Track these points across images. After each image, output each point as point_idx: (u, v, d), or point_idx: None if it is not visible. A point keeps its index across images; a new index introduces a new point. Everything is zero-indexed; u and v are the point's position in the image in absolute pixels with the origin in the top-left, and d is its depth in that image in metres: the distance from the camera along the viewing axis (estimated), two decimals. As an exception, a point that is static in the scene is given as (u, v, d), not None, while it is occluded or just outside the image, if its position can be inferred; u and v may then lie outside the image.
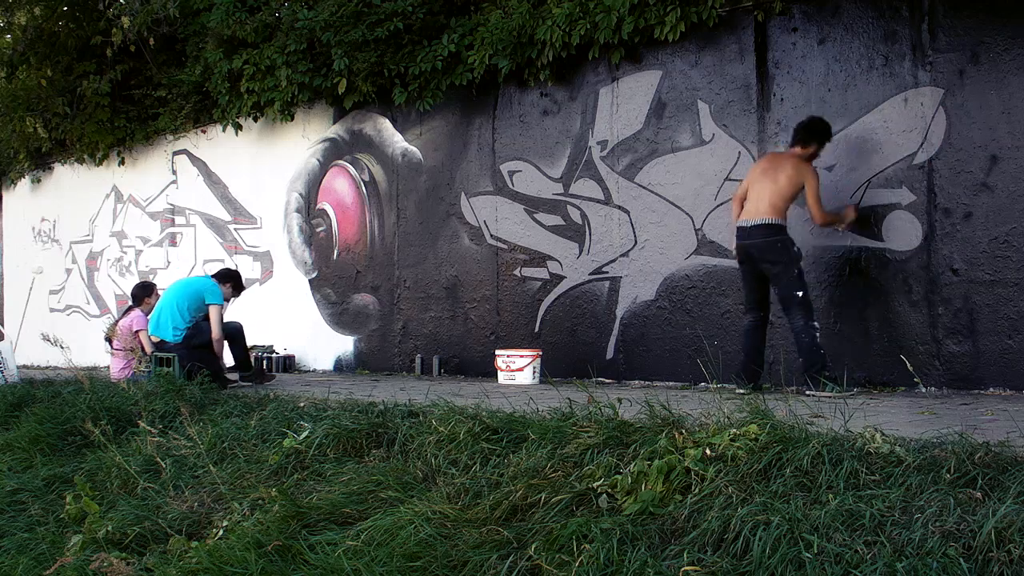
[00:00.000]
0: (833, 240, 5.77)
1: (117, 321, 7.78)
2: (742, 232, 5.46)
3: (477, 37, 7.04)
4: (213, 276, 7.10)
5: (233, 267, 7.44)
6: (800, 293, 5.29)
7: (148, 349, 6.94)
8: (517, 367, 6.66)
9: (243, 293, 7.36)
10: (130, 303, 7.80)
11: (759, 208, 5.38)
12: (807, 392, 5.11)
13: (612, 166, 6.77)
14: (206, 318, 6.76)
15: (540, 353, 6.76)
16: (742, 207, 5.56)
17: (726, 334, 6.16)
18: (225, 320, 6.91)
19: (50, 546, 3.87)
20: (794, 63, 5.93)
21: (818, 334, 5.28)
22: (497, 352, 6.88)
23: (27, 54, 10.34)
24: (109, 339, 7.50)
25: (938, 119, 5.37)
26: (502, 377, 6.73)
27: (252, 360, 7.48)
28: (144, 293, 7.56)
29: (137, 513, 3.86)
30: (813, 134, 5.41)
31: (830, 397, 4.76)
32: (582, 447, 3.27)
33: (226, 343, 6.93)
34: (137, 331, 7.20)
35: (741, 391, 5.21)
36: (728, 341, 6.13)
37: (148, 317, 7.34)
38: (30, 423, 5.59)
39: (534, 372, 6.67)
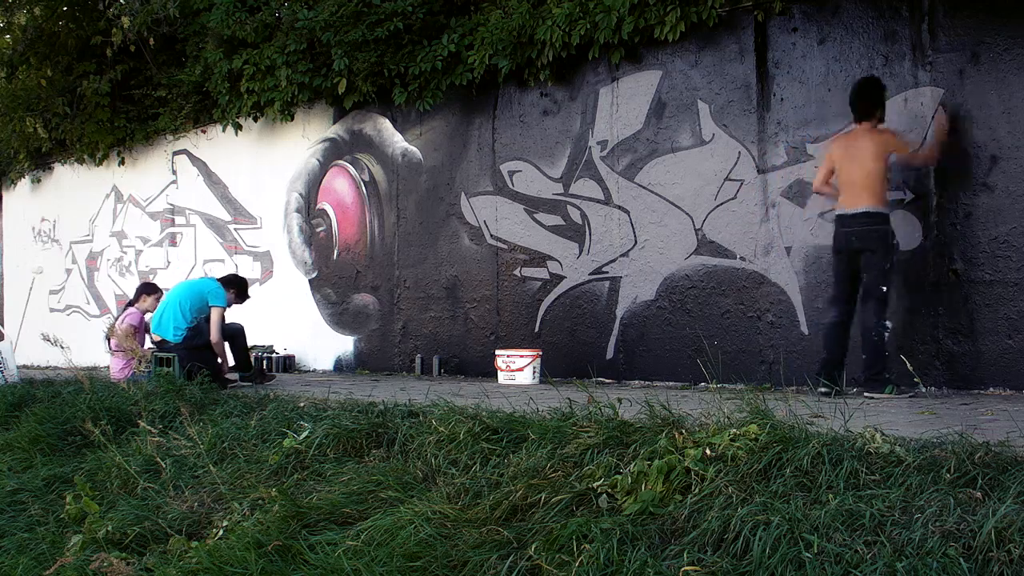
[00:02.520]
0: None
1: (116, 320, 7.79)
2: (844, 220, 5.22)
3: (477, 37, 7.04)
4: (219, 279, 7.09)
5: (238, 272, 7.44)
6: (884, 288, 5.13)
7: (135, 345, 6.92)
8: (517, 367, 6.66)
9: (247, 301, 7.34)
10: (129, 301, 7.82)
11: (858, 194, 5.14)
12: (866, 394, 5.01)
13: (612, 166, 6.77)
14: (208, 319, 6.76)
15: (540, 353, 6.76)
16: (827, 193, 5.39)
17: (726, 334, 6.16)
18: (227, 321, 6.91)
19: (50, 546, 3.87)
20: (794, 63, 5.93)
21: (888, 335, 5.15)
22: (497, 352, 6.88)
23: (27, 54, 10.34)
24: (109, 338, 7.50)
25: (938, 119, 5.36)
26: (502, 377, 6.73)
27: (252, 361, 7.48)
28: (143, 291, 7.55)
29: (137, 513, 3.86)
30: (871, 99, 5.22)
31: (888, 398, 4.81)
32: (582, 447, 3.27)
33: (226, 344, 6.93)
34: (128, 325, 7.19)
35: (823, 390, 5.05)
36: (728, 341, 6.14)
37: (144, 316, 7.35)
38: (30, 423, 5.59)
39: (534, 372, 6.67)
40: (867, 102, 5.21)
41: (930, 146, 5.32)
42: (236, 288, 7.08)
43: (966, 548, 2.22)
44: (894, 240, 5.25)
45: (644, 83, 6.61)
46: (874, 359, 5.11)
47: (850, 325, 5.30)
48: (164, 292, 7.58)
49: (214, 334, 6.67)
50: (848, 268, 5.26)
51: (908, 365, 4.99)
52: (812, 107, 5.84)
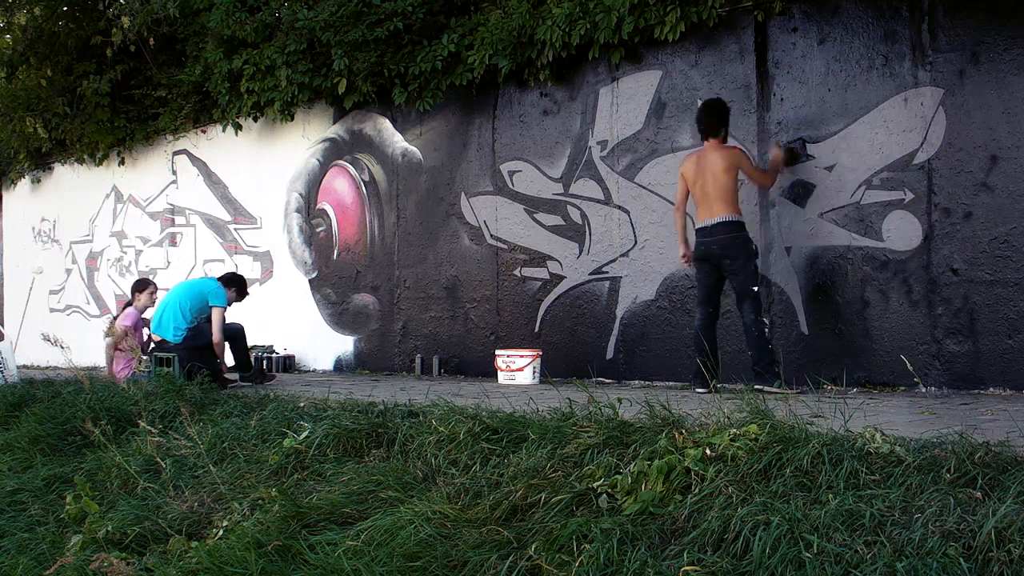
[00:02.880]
0: (833, 240, 5.77)
1: (115, 319, 7.79)
2: (703, 232, 5.60)
3: (477, 37, 7.05)
4: (219, 279, 7.10)
5: (238, 271, 7.45)
6: (755, 288, 5.46)
7: (133, 344, 6.93)
8: (517, 367, 6.66)
9: (246, 299, 7.35)
10: (128, 301, 7.83)
11: (713, 206, 5.53)
12: (756, 387, 5.11)
13: (612, 166, 6.77)
14: (208, 319, 6.76)
15: (540, 353, 6.77)
16: (684, 214, 5.78)
17: (726, 334, 6.15)
18: (227, 321, 6.91)
19: (50, 546, 3.87)
20: (794, 63, 5.93)
21: (767, 330, 5.44)
22: (497, 352, 6.88)
23: (27, 54, 10.34)
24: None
25: (938, 119, 5.37)
26: (502, 377, 6.74)
27: (252, 361, 7.48)
28: (135, 289, 7.55)
29: (137, 513, 3.86)
30: (717, 119, 5.61)
31: (778, 393, 4.72)
32: (582, 447, 3.27)
33: (227, 344, 6.93)
34: (126, 326, 7.20)
35: (701, 391, 5.46)
36: (728, 341, 6.13)
37: (142, 314, 7.35)
38: (30, 423, 5.59)
39: (534, 372, 6.67)
40: (714, 121, 5.59)
41: (765, 174, 5.75)
42: (236, 286, 7.09)
43: (966, 548, 2.22)
44: (753, 245, 5.61)
45: (644, 83, 6.61)
46: (760, 354, 5.38)
47: (714, 326, 5.70)
48: (156, 285, 7.60)
49: (216, 334, 6.68)
50: (711, 274, 5.65)
51: (908, 365, 5.01)
52: (812, 107, 5.84)
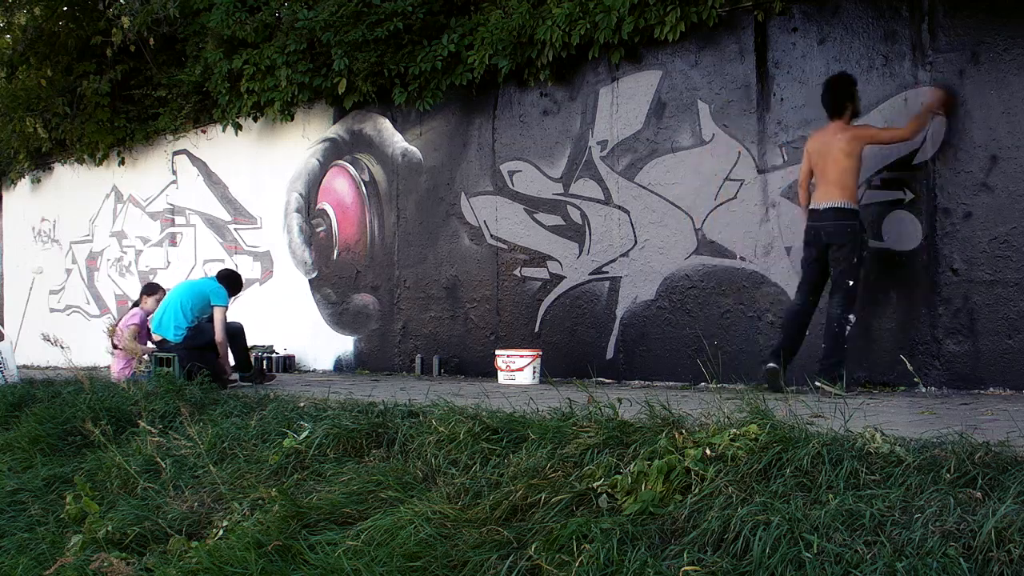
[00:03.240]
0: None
1: (119, 320, 7.79)
2: (815, 215, 5.34)
3: (477, 37, 7.04)
4: (217, 276, 7.09)
5: (233, 267, 7.46)
6: (851, 283, 5.22)
7: (136, 347, 6.94)
8: (517, 367, 6.66)
9: (240, 294, 7.37)
10: (135, 301, 7.84)
11: (829, 190, 5.27)
12: (816, 383, 5.07)
13: (612, 166, 6.77)
14: (209, 319, 6.77)
15: (540, 353, 6.76)
16: (807, 192, 5.49)
17: (726, 334, 6.16)
18: (227, 321, 6.91)
19: (50, 546, 3.87)
20: (794, 63, 5.93)
21: (849, 328, 5.22)
22: (497, 352, 6.88)
23: (27, 54, 10.34)
24: (111, 338, 7.50)
25: (938, 119, 5.36)
26: (502, 377, 6.73)
27: (252, 360, 7.48)
28: (144, 292, 7.58)
29: (137, 513, 3.86)
30: (842, 94, 5.34)
31: (832, 394, 4.70)
32: (582, 447, 3.27)
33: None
34: (133, 326, 7.20)
35: (771, 365, 5.23)
36: (728, 341, 6.14)
37: (147, 316, 7.35)
38: (30, 423, 5.59)
39: (534, 372, 6.67)
40: (835, 99, 5.33)
41: (908, 129, 5.31)
42: (234, 284, 7.10)
43: (966, 548, 2.22)
44: (864, 237, 5.31)
45: (644, 83, 6.60)
46: (832, 350, 5.20)
47: (807, 316, 5.40)
48: (165, 292, 7.59)
49: (219, 334, 6.70)
50: (816, 261, 5.36)
51: (908, 365, 5.01)
52: (812, 107, 5.84)
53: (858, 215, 5.28)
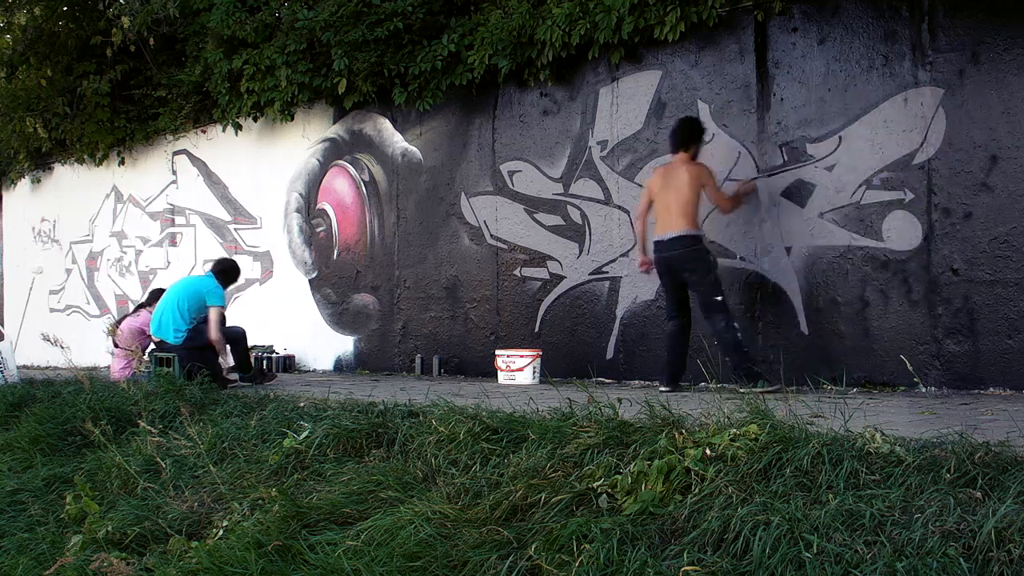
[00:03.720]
0: (833, 240, 5.77)
1: (121, 319, 7.76)
2: (660, 246, 5.71)
3: (477, 37, 7.04)
4: (213, 269, 7.05)
5: (230, 263, 7.35)
6: (719, 298, 5.55)
7: (137, 348, 6.94)
8: (517, 367, 6.66)
9: (239, 281, 7.35)
10: (140, 302, 7.81)
11: (671, 222, 5.63)
12: (742, 390, 5.18)
13: (612, 166, 6.77)
14: (206, 319, 6.76)
15: (540, 353, 6.76)
16: (644, 224, 5.88)
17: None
18: (229, 324, 6.91)
19: (50, 546, 3.86)
20: (794, 63, 5.93)
21: (739, 333, 5.52)
22: (497, 352, 6.88)
23: (27, 54, 10.34)
24: (112, 337, 7.50)
25: (938, 119, 5.37)
26: (502, 377, 6.73)
27: (252, 361, 7.47)
28: (154, 299, 7.57)
29: (137, 513, 3.86)
30: (689, 134, 5.71)
31: (764, 392, 4.70)
32: (582, 447, 3.27)
33: (228, 346, 6.93)
34: (139, 328, 7.21)
35: (664, 389, 5.70)
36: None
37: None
38: (30, 423, 5.59)
39: (534, 372, 6.67)
40: (689, 136, 5.70)
41: (728, 200, 5.79)
42: (232, 276, 7.10)
43: (966, 548, 2.22)
44: (711, 255, 5.69)
45: (644, 83, 6.61)
46: (738, 359, 5.45)
47: (688, 332, 5.80)
48: None
49: (214, 332, 6.65)
50: (672, 286, 5.77)
51: (908, 365, 5.01)
52: (812, 107, 5.84)
53: (701, 240, 5.66)
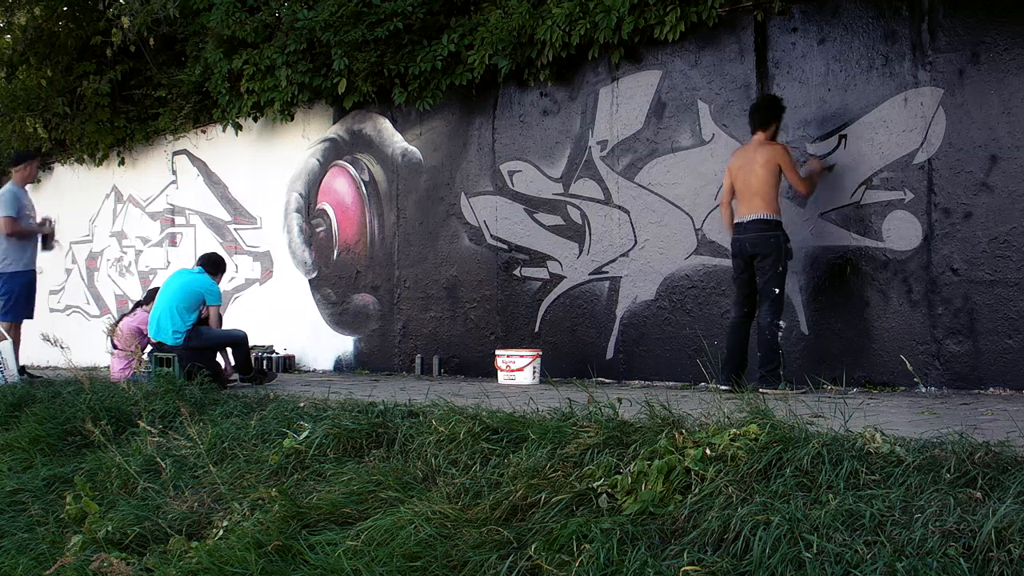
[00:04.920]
0: (833, 240, 5.77)
1: (120, 319, 7.75)
2: (739, 228, 5.57)
3: (477, 37, 7.04)
4: (202, 263, 7.02)
5: (219, 257, 7.29)
6: (777, 290, 5.42)
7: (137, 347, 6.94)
8: (517, 367, 6.66)
9: (224, 274, 7.36)
10: (137, 301, 7.80)
11: (753, 203, 5.48)
12: (761, 390, 5.12)
13: (612, 166, 6.77)
14: (204, 319, 6.76)
15: (540, 353, 6.76)
16: (731, 209, 5.69)
17: (726, 334, 6.15)
18: (232, 327, 6.95)
19: (50, 546, 3.86)
20: (794, 63, 5.93)
21: (781, 334, 5.51)
22: (497, 352, 6.88)
23: (27, 54, 10.34)
24: (111, 337, 7.49)
25: (938, 119, 5.37)
26: (502, 377, 6.73)
27: (252, 362, 7.45)
28: (151, 298, 7.58)
29: (137, 513, 3.85)
30: (768, 112, 5.58)
31: (782, 394, 4.81)
32: (582, 447, 3.26)
33: (229, 350, 6.94)
34: (137, 328, 7.20)
35: (724, 387, 5.36)
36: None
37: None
38: (30, 423, 5.58)
39: (534, 372, 6.67)
40: (767, 114, 5.57)
41: (804, 182, 5.55)
42: (220, 269, 7.11)
43: (966, 548, 2.22)
44: (787, 246, 5.49)
45: (644, 83, 6.61)
46: (768, 357, 5.39)
47: (747, 327, 5.63)
48: None
49: (216, 327, 6.75)
50: (745, 272, 5.59)
51: (908, 365, 5.01)
52: (812, 107, 5.84)
53: (781, 226, 5.48)
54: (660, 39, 6.21)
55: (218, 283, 6.94)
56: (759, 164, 5.44)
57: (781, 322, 5.49)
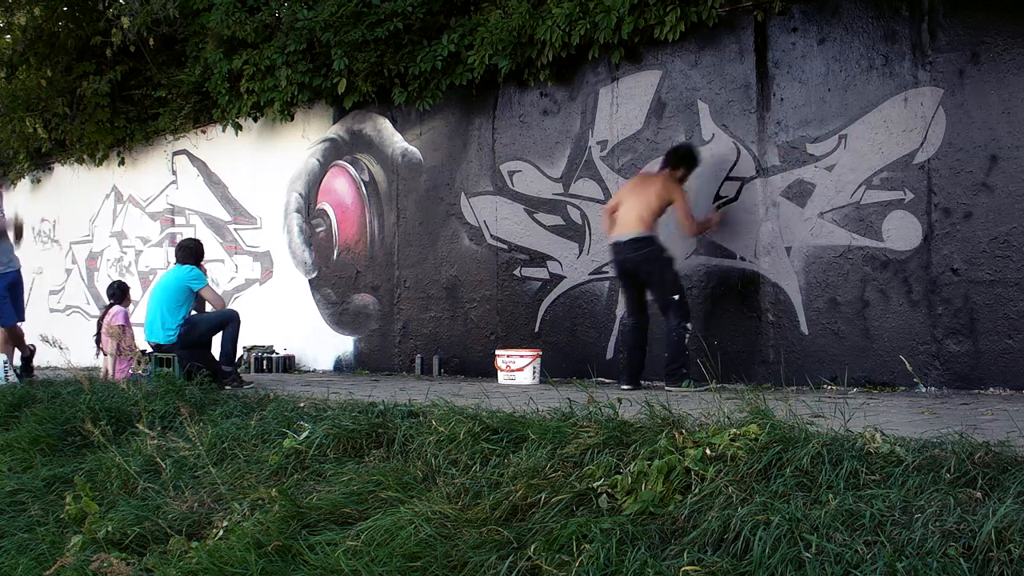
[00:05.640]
0: (833, 240, 5.77)
1: (100, 322, 7.70)
2: (617, 248, 5.97)
3: (477, 37, 7.04)
4: (180, 248, 6.93)
5: (192, 241, 7.20)
6: (676, 296, 5.78)
7: (132, 343, 6.91)
8: (517, 367, 6.66)
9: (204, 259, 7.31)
10: (107, 304, 7.80)
11: (629, 222, 5.88)
12: (666, 388, 5.62)
13: (612, 166, 6.77)
14: (196, 310, 6.77)
15: (540, 353, 6.76)
16: (612, 221, 6.06)
17: (726, 334, 6.16)
18: (223, 307, 6.91)
19: (50, 546, 3.86)
20: (794, 63, 5.93)
21: (688, 336, 5.76)
22: (497, 352, 6.88)
23: (27, 54, 10.34)
24: (98, 340, 7.49)
25: (938, 119, 5.37)
26: (502, 377, 6.73)
27: (238, 353, 7.33)
28: (119, 292, 7.61)
29: (137, 513, 3.85)
30: (682, 159, 5.97)
31: (687, 392, 5.33)
32: (582, 447, 3.26)
33: (219, 333, 6.84)
34: (121, 325, 7.18)
35: (624, 387, 5.82)
36: (728, 341, 6.14)
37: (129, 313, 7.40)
38: (30, 423, 5.58)
39: (534, 372, 6.67)
40: (681, 160, 5.96)
41: (694, 223, 5.95)
42: (199, 254, 6.98)
43: (966, 548, 2.22)
44: (666, 253, 5.88)
45: (644, 83, 6.61)
46: (674, 356, 5.73)
47: (645, 331, 6.03)
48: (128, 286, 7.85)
49: (219, 306, 6.78)
50: (631, 286, 6.04)
51: (908, 365, 5.01)
52: (812, 107, 5.84)
53: (654, 240, 5.86)
54: (660, 39, 6.22)
55: (200, 266, 6.82)
56: (653, 192, 5.83)
57: (689, 324, 5.77)
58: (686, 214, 5.85)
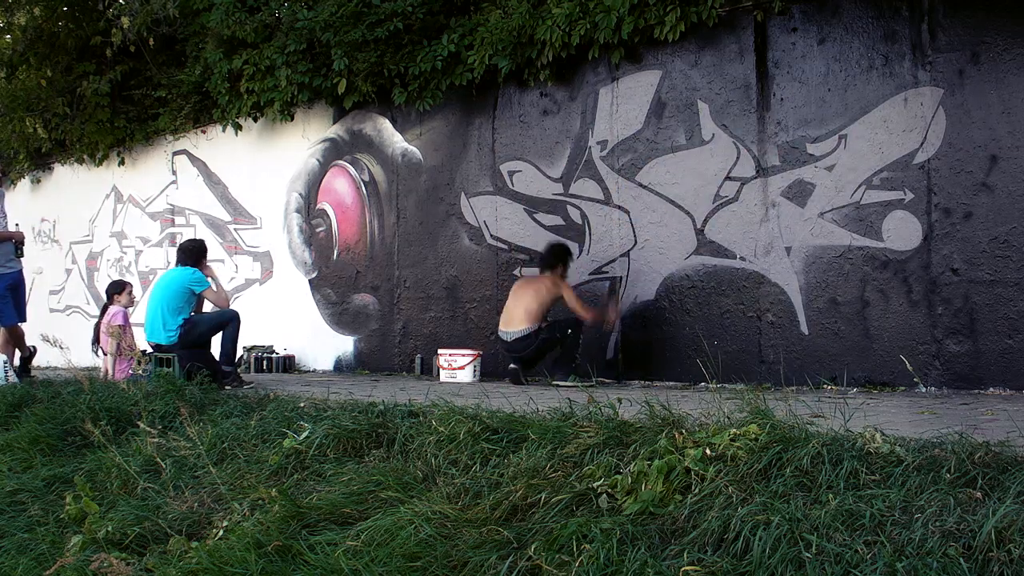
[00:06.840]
0: (833, 240, 5.78)
1: (97, 328, 7.70)
2: (504, 343, 6.54)
3: (477, 37, 7.04)
4: (182, 251, 6.89)
5: (194, 243, 7.15)
6: (570, 331, 6.31)
7: (132, 342, 6.90)
8: (459, 365, 6.91)
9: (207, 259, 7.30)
10: (104, 304, 7.79)
11: (515, 317, 6.40)
12: (554, 383, 6.14)
13: (612, 166, 6.77)
14: (197, 311, 6.76)
15: (481, 353, 7.06)
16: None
17: (726, 334, 6.16)
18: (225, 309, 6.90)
19: (50, 546, 3.86)
20: (794, 63, 5.93)
21: (581, 338, 6.38)
22: (439, 351, 7.13)
23: (27, 54, 10.34)
24: (96, 340, 7.48)
25: (938, 119, 5.37)
26: (443, 375, 6.99)
27: (238, 354, 7.32)
28: (115, 291, 7.56)
29: (137, 513, 3.85)
30: (558, 257, 6.48)
31: (572, 386, 5.75)
32: (582, 447, 3.26)
33: (220, 332, 6.83)
34: (121, 325, 7.17)
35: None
36: (728, 341, 6.14)
37: (127, 312, 7.38)
38: (30, 423, 5.58)
39: (474, 371, 6.93)
40: (555, 259, 6.49)
41: (590, 311, 6.43)
42: (202, 254, 6.94)
43: (966, 548, 2.22)
44: (547, 322, 6.45)
45: (644, 83, 6.61)
46: (564, 353, 6.30)
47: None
48: (131, 284, 7.72)
49: (223, 306, 6.78)
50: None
51: (908, 365, 5.01)
52: (812, 107, 5.84)
53: (541, 329, 6.37)
54: (660, 39, 6.22)
55: (203, 267, 6.79)
56: (544, 289, 6.35)
57: (580, 335, 6.34)
58: (579, 305, 6.33)
